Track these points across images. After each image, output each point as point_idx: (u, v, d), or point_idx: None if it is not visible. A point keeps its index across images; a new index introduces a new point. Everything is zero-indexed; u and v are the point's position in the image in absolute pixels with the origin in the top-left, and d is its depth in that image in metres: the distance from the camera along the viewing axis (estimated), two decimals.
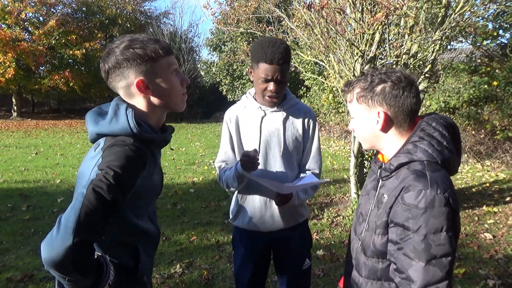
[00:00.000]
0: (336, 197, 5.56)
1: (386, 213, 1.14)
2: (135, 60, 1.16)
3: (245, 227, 1.91)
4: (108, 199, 0.99)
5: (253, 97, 1.89)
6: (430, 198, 1.04)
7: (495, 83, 6.84)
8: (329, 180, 1.73)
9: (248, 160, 1.67)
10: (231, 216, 1.98)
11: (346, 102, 1.31)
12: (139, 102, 1.22)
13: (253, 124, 1.85)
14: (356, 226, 1.36)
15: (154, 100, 1.22)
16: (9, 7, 20.14)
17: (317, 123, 1.92)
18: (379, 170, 1.26)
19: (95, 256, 1.08)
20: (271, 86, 1.73)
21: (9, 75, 19.15)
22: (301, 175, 1.89)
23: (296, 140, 1.86)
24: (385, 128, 1.20)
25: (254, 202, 1.87)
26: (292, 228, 1.92)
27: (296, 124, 1.86)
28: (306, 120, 1.88)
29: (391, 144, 1.23)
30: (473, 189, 6.02)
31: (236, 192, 1.94)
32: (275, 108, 1.84)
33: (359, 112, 1.24)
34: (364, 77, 1.22)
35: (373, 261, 1.20)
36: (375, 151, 1.31)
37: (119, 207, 1.05)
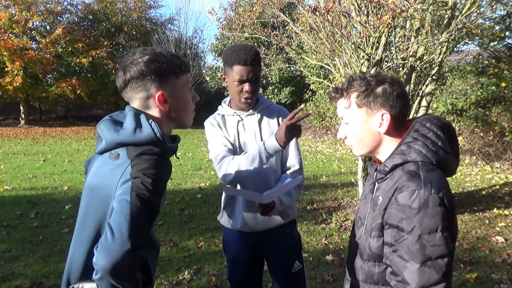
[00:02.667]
0: (344, 201, 5.52)
1: (381, 215, 1.12)
2: (160, 74, 1.18)
3: (230, 227, 1.94)
4: (150, 203, 1.04)
5: (228, 105, 1.95)
6: (424, 198, 1.01)
7: (503, 84, 6.76)
8: (302, 177, 1.74)
9: (295, 122, 1.65)
10: (218, 216, 2.02)
11: (337, 109, 1.26)
12: (154, 113, 1.23)
13: (230, 130, 1.90)
14: (355, 230, 1.34)
15: (169, 113, 1.24)
16: (17, 16, 20.46)
17: None
18: (375, 173, 1.24)
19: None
20: (246, 86, 1.78)
21: (17, 84, 19.43)
22: (282, 175, 1.90)
23: None
24: (389, 131, 1.18)
25: (237, 202, 1.90)
26: (277, 228, 1.91)
27: (272, 125, 1.91)
28: (280, 120, 1.92)
29: (389, 147, 1.20)
30: (483, 192, 5.95)
31: (223, 192, 1.95)
32: (250, 111, 1.89)
33: (358, 117, 1.20)
34: (359, 81, 1.19)
35: (369, 265, 1.18)
36: None
37: (157, 213, 1.09)
